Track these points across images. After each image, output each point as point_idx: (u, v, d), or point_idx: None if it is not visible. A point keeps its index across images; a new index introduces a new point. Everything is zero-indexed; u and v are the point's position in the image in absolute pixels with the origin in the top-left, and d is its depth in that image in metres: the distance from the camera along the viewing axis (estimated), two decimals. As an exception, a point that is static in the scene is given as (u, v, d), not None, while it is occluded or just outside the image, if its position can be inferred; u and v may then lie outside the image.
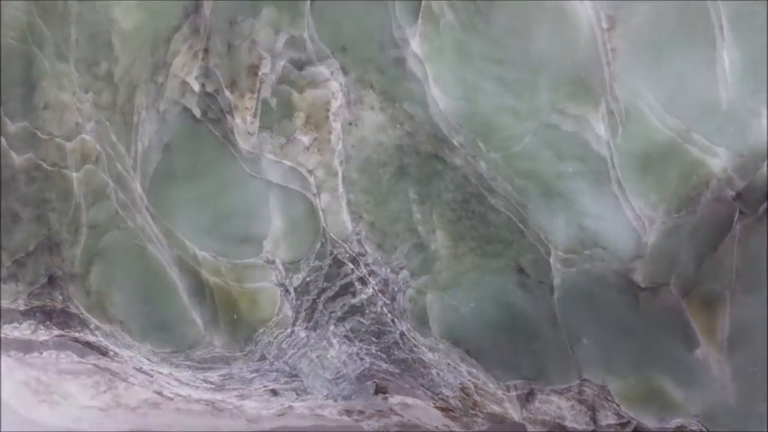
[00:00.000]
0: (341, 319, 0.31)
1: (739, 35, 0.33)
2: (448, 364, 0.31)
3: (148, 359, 0.36)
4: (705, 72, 0.36)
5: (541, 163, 0.36)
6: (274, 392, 0.32)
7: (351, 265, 0.31)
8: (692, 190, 0.36)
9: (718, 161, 0.39)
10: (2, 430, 0.43)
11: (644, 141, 0.39)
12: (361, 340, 0.29)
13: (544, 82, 0.38)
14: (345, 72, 0.29)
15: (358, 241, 0.30)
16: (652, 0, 0.34)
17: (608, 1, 0.31)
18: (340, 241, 0.30)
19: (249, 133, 0.33)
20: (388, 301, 0.30)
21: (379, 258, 0.29)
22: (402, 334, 0.31)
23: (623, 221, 0.41)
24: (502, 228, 0.32)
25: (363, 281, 0.33)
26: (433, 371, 0.33)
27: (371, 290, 0.34)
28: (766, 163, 0.38)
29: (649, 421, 0.44)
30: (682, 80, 0.39)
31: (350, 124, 0.30)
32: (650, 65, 0.35)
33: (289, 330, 0.35)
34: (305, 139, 0.30)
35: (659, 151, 0.38)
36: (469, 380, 0.34)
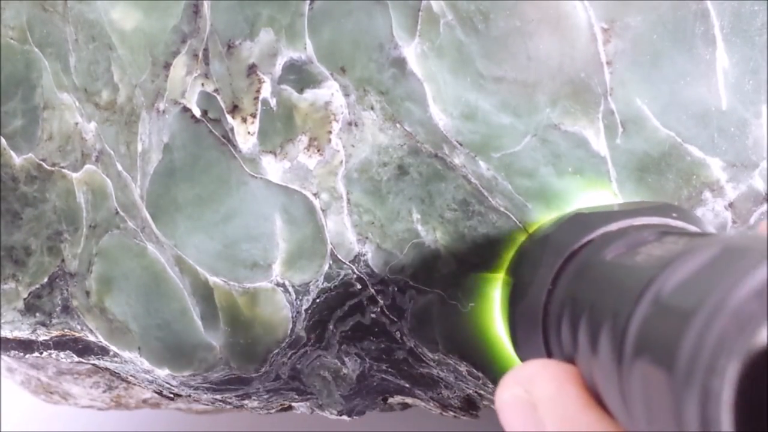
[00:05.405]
0: (352, 338, 0.31)
1: (737, 38, 0.34)
2: (456, 377, 0.32)
3: (168, 383, 0.36)
4: (702, 77, 0.36)
5: (540, 174, 0.36)
6: (291, 407, 0.33)
7: (359, 286, 0.31)
8: (686, 200, 0.37)
9: (713, 171, 0.39)
10: (2, 430, 0.43)
11: (643, 144, 0.39)
12: (372, 358, 0.30)
13: (544, 86, 0.39)
14: (345, 93, 0.29)
15: (365, 262, 0.31)
16: (650, 0, 0.34)
17: (606, 1, 0.32)
18: (347, 263, 0.31)
19: (253, 160, 0.33)
20: (396, 319, 0.31)
21: (386, 278, 0.30)
22: (410, 350, 0.31)
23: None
24: (501, 247, 0.33)
25: (372, 300, 0.34)
26: (441, 384, 0.34)
27: (379, 309, 0.34)
28: (757, 171, 0.39)
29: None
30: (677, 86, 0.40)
31: (353, 146, 0.31)
32: (648, 65, 0.36)
33: (302, 350, 0.35)
34: (309, 163, 0.30)
35: (658, 155, 0.39)
36: (474, 391, 0.35)
